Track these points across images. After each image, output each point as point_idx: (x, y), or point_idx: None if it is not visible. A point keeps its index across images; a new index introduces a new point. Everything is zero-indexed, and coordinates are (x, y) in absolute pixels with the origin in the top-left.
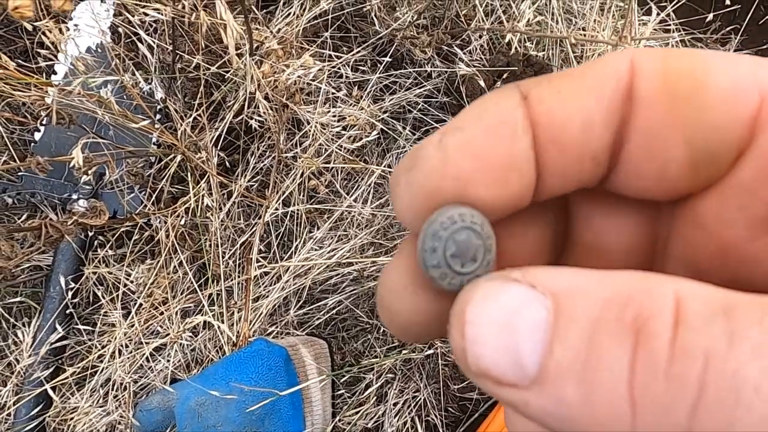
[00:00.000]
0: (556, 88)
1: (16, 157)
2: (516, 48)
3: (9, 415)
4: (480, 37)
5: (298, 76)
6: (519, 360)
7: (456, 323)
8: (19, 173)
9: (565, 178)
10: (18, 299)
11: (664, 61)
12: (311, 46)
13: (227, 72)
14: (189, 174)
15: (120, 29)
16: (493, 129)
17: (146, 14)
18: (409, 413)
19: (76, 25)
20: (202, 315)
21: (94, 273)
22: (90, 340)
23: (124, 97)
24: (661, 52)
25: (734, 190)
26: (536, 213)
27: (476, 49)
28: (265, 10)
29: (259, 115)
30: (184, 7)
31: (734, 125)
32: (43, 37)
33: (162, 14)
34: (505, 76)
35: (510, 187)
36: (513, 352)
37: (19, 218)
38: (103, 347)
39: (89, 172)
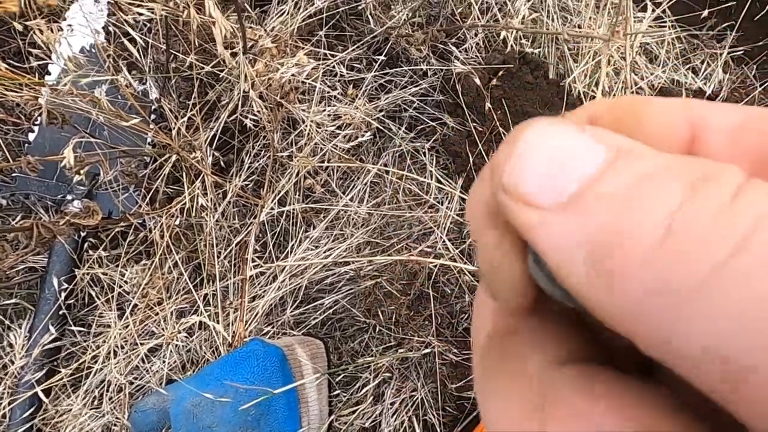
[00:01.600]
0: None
1: (9, 158)
2: (512, 45)
3: (4, 417)
4: (475, 34)
5: (292, 75)
6: (557, 183)
7: (512, 139)
8: (13, 174)
9: None
10: (13, 301)
11: (614, 101)
12: (306, 45)
13: (222, 71)
14: (184, 174)
15: (114, 29)
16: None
17: (140, 14)
18: (406, 413)
19: (69, 25)
20: (197, 315)
21: (89, 274)
22: (85, 341)
23: (119, 97)
24: (619, 98)
25: None
26: None
27: (472, 47)
28: (259, 9)
29: (254, 114)
30: (177, 6)
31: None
32: (35, 36)
33: (154, 14)
34: (500, 73)
35: None
36: (554, 176)
37: (13, 219)
38: (97, 348)
39: (82, 172)
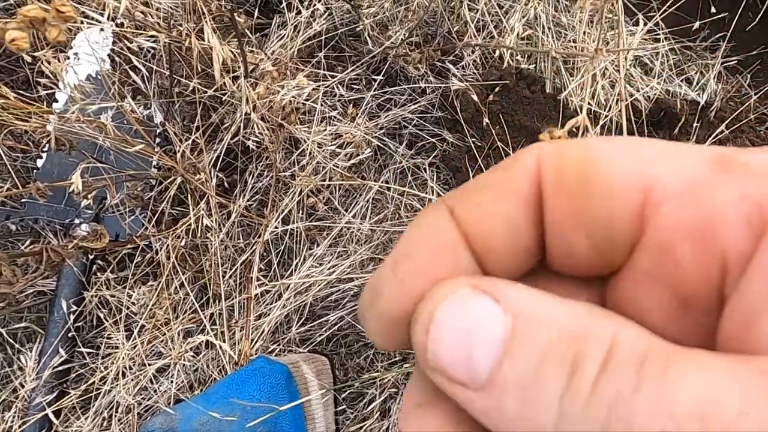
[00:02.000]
0: (476, 202)
1: (18, 184)
2: (508, 62)
3: None
4: (472, 51)
5: (293, 97)
6: (472, 365)
7: (422, 320)
8: (22, 200)
9: (507, 272)
10: (23, 324)
11: (559, 156)
12: (306, 66)
13: (224, 94)
14: (189, 195)
15: (119, 56)
16: (438, 250)
17: (141, 44)
18: None
19: (75, 54)
20: (203, 335)
21: (97, 296)
22: (94, 363)
23: (125, 122)
24: (562, 145)
25: (639, 276)
26: None
27: (469, 64)
28: (260, 33)
29: (256, 136)
30: (180, 34)
31: (622, 218)
32: (42, 66)
33: (158, 42)
34: (497, 89)
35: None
36: (468, 357)
37: (22, 244)
38: (106, 369)
39: (89, 196)
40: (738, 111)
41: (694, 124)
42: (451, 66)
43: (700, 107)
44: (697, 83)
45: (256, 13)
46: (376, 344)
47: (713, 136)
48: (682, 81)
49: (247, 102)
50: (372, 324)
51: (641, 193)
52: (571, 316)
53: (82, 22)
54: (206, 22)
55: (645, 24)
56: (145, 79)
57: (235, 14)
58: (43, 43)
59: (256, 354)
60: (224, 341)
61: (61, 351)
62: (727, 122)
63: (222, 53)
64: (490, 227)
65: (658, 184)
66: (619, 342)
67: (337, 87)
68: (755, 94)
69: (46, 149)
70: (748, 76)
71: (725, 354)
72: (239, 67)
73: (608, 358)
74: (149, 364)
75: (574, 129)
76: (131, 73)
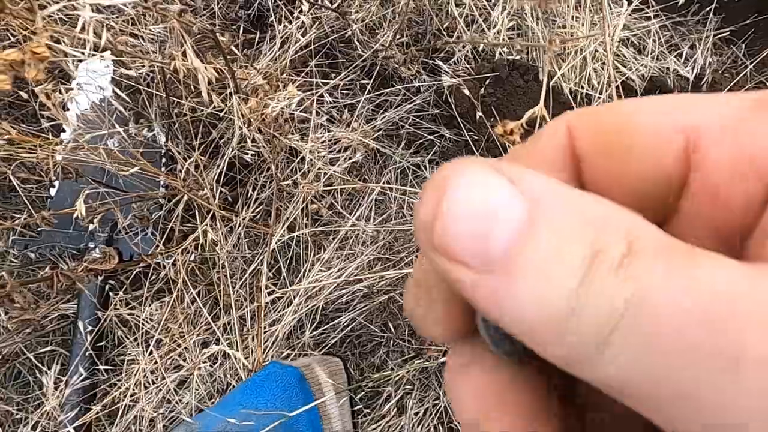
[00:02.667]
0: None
1: (33, 214)
2: (500, 53)
3: None
4: (463, 47)
5: (283, 107)
6: (485, 245)
7: (434, 190)
8: (39, 229)
9: None
10: (49, 348)
11: (593, 116)
12: (300, 76)
13: (221, 111)
14: (196, 212)
15: (120, 83)
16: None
17: (140, 68)
18: (431, 421)
19: (78, 84)
20: (217, 345)
21: (117, 315)
22: (118, 379)
23: (130, 146)
24: (592, 110)
25: (684, 222)
26: None
27: (461, 59)
28: (255, 48)
29: (254, 149)
30: (172, 57)
31: (664, 167)
32: (44, 99)
33: (142, 68)
34: (488, 81)
35: None
36: (481, 236)
37: (42, 271)
38: (129, 385)
39: (95, 221)
40: (734, 82)
41: None
42: (441, 63)
43: (690, 82)
44: (691, 58)
45: (241, 30)
46: (430, 335)
47: None
48: (676, 57)
49: (240, 117)
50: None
51: (682, 139)
52: (593, 204)
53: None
54: (187, 45)
55: (629, 3)
56: (146, 103)
57: (218, 33)
58: (47, 77)
59: (270, 360)
60: (238, 350)
61: (81, 370)
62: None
63: (206, 73)
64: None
65: (699, 128)
66: (641, 235)
67: (333, 92)
68: (751, 64)
69: (53, 178)
70: (743, 46)
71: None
72: (230, 84)
73: (632, 243)
74: (169, 377)
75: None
76: (131, 99)
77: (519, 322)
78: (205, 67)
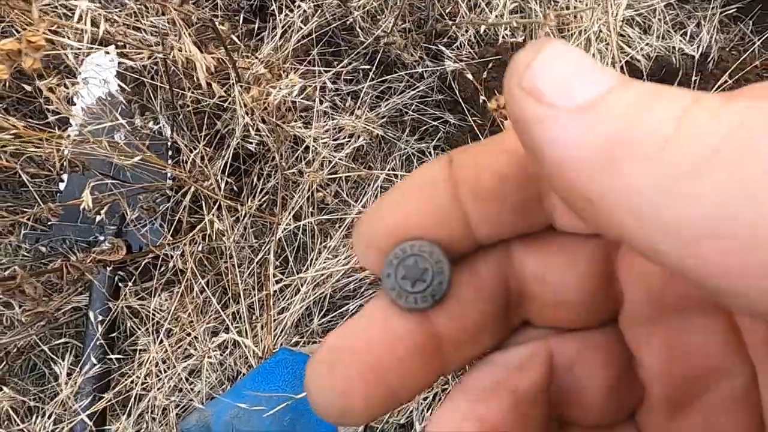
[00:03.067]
0: (475, 150)
1: (55, 211)
2: (503, 36)
3: None
4: (466, 31)
5: (285, 95)
6: (574, 89)
7: (534, 45)
8: (49, 223)
9: (496, 226)
10: (63, 340)
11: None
12: (303, 65)
13: (225, 101)
14: (203, 202)
15: (125, 76)
16: (420, 185)
17: (144, 61)
18: (439, 405)
19: (84, 78)
20: (227, 333)
21: (127, 306)
22: (130, 369)
23: (136, 138)
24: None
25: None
26: (486, 263)
27: (464, 44)
28: (257, 38)
29: (255, 138)
30: (172, 48)
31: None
32: (48, 94)
33: (145, 61)
34: (491, 65)
35: (440, 232)
36: (572, 82)
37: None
38: (141, 374)
39: (101, 212)
40: (741, 59)
41: (693, 78)
42: (444, 48)
43: (696, 60)
44: (697, 36)
45: (242, 20)
46: (365, 266)
47: (714, 87)
48: (682, 35)
49: (242, 106)
50: (357, 246)
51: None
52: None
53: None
54: (185, 34)
55: None
56: (150, 95)
57: (218, 23)
58: (53, 72)
59: (279, 347)
60: (248, 338)
61: (93, 359)
62: (729, 71)
63: (204, 61)
64: (478, 173)
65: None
66: (740, 92)
67: (336, 80)
68: (758, 40)
69: (61, 172)
70: (750, 22)
71: None
72: (231, 74)
73: (731, 96)
74: (180, 366)
75: None
76: (136, 92)
77: (602, 161)
78: (204, 56)
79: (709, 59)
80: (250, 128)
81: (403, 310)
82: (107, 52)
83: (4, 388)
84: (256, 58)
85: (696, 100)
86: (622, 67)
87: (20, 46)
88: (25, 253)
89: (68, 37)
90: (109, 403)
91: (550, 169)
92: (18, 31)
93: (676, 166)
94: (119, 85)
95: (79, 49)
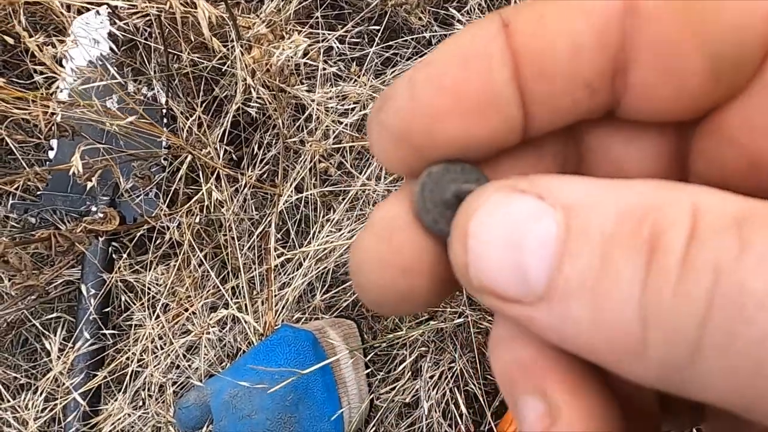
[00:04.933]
0: (539, 13)
1: (42, 176)
2: (515, 1)
3: (57, 422)
4: None
5: (288, 56)
6: (525, 276)
7: (458, 236)
8: (38, 193)
9: (559, 111)
10: (55, 315)
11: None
12: (305, 28)
13: (223, 65)
14: (201, 172)
15: (116, 38)
16: (467, 61)
17: (137, 21)
18: (446, 384)
19: (74, 40)
20: (226, 309)
21: (123, 280)
22: (125, 345)
23: (130, 104)
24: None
25: (762, 94)
26: (541, 148)
27: (474, 8)
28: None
29: (257, 102)
30: (167, 4)
31: (755, 22)
32: (37, 53)
33: (138, 20)
34: None
35: (489, 124)
36: (519, 267)
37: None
38: (136, 350)
39: (93, 178)
40: None
41: None
42: (455, 12)
43: None
44: None
45: None
46: (382, 164)
47: None
48: None
49: (244, 68)
50: (376, 139)
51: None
52: (635, 192)
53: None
54: None
55: None
56: (144, 59)
57: None
58: (40, 32)
59: (281, 324)
60: (248, 313)
61: (87, 335)
62: None
63: (206, 9)
64: (548, 44)
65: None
66: (702, 209)
67: (340, 44)
68: None
69: (50, 138)
70: None
71: None
72: (231, 32)
73: (695, 227)
74: (177, 342)
75: None
76: (128, 54)
77: (589, 351)
78: (207, 7)
79: None
80: (252, 90)
81: (425, 229)
82: (98, 12)
83: None
84: (257, 17)
85: (649, 269)
86: None
87: None
88: (15, 224)
89: None
90: (104, 381)
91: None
92: None
93: (671, 348)
94: (111, 48)
95: (87, 8)
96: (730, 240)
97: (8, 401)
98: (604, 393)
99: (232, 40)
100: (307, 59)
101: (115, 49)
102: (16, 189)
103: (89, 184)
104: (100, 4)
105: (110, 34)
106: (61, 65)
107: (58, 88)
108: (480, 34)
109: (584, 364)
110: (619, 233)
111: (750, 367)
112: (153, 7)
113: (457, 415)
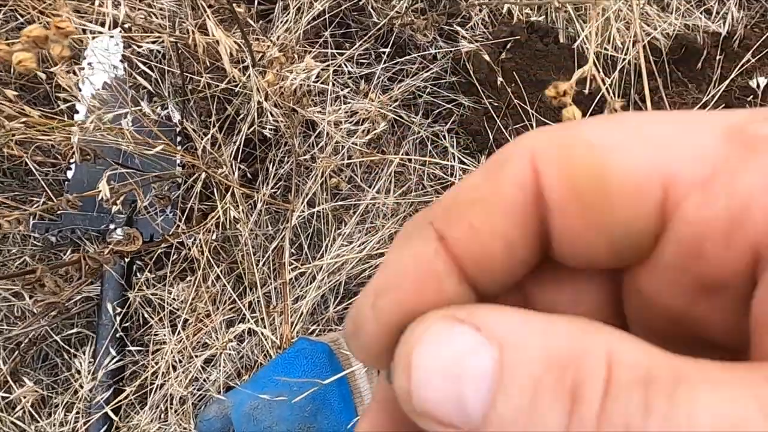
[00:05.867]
0: (467, 224)
1: (53, 197)
2: (518, 16)
3: None
4: (480, 11)
5: (302, 80)
6: (464, 407)
7: (401, 365)
8: (58, 212)
9: (501, 285)
10: (75, 330)
11: (564, 160)
12: (314, 48)
13: (236, 86)
14: (215, 190)
15: (131, 61)
16: (420, 284)
17: (151, 45)
18: None
19: (89, 64)
20: (244, 323)
21: (140, 296)
22: (145, 359)
23: (144, 125)
24: (559, 142)
25: (662, 269)
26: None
27: (478, 24)
28: (265, 20)
29: (271, 124)
30: (185, 32)
31: (642, 219)
32: (61, 81)
33: (161, 43)
34: (509, 46)
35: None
36: (458, 399)
37: (63, 254)
38: (157, 365)
39: (118, 201)
40: (764, 37)
41: (717, 57)
42: (459, 28)
43: (721, 38)
44: (718, 13)
45: (256, 1)
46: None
47: (739, 66)
48: (701, 13)
49: (258, 91)
50: (357, 353)
51: (661, 190)
52: (562, 336)
53: (84, 32)
54: (207, 16)
55: None
56: (158, 80)
57: (234, 4)
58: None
59: (297, 336)
60: (265, 327)
61: (112, 351)
62: (752, 50)
63: (228, 45)
64: (484, 249)
65: (678, 178)
66: (616, 361)
67: (346, 64)
68: None
69: (72, 161)
70: None
71: (734, 364)
72: (246, 57)
73: (609, 381)
74: (197, 356)
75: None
76: (146, 74)
77: None
78: (228, 41)
79: (735, 37)
80: (269, 114)
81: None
82: (112, 36)
83: (26, 381)
84: (270, 41)
85: (570, 420)
86: (645, 47)
87: (48, 32)
88: (35, 243)
89: (92, 21)
90: (128, 396)
91: None
92: (21, 15)
93: None
94: (125, 70)
95: (101, 32)
96: (637, 399)
97: (38, 419)
98: None
99: (247, 66)
100: (317, 80)
101: (131, 71)
102: (44, 211)
103: (114, 208)
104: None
105: (124, 57)
106: (78, 89)
107: (76, 111)
108: (422, 253)
109: None
110: (545, 379)
111: None
112: (167, 33)
113: None
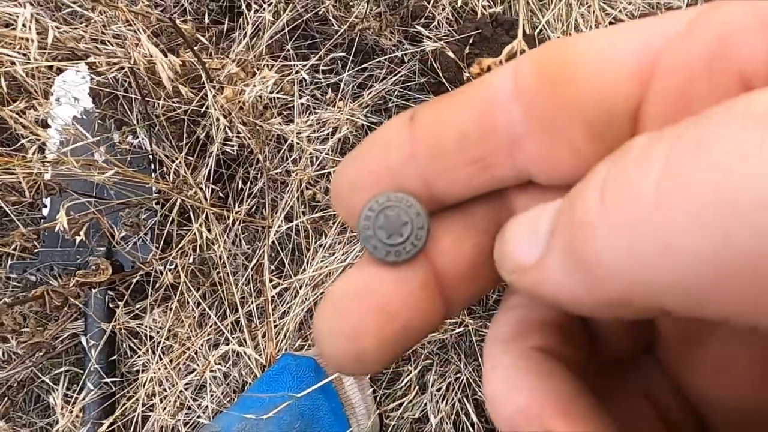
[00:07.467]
0: (435, 109)
1: (29, 236)
2: (482, 11)
3: None
4: (443, 9)
5: (259, 91)
6: (523, 251)
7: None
8: (36, 250)
9: (455, 183)
10: (63, 369)
11: (536, 56)
12: (279, 60)
13: (202, 107)
14: (191, 213)
15: (98, 92)
16: (377, 146)
17: (116, 73)
18: (455, 395)
19: (57, 99)
20: (227, 345)
21: (125, 327)
22: (135, 391)
23: (117, 154)
24: (539, 48)
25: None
26: (473, 214)
27: (442, 22)
28: (226, 38)
29: (237, 140)
30: (131, 57)
31: (615, 87)
32: (17, 120)
33: (114, 72)
34: (472, 41)
35: (401, 188)
36: (534, 231)
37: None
38: (145, 395)
39: (81, 232)
40: None
41: None
42: (422, 29)
43: None
44: None
45: (208, 20)
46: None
47: None
48: None
49: (217, 108)
50: (333, 201)
51: (633, 58)
52: None
53: (50, 68)
54: (141, 32)
55: None
56: (126, 109)
57: (179, 22)
58: (23, 95)
59: (282, 353)
60: (249, 347)
61: (89, 385)
62: None
63: (165, 61)
64: (438, 131)
65: (652, 47)
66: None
67: (309, 74)
68: None
69: (45, 197)
70: None
71: None
72: (201, 75)
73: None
74: (183, 384)
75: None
76: (110, 106)
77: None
78: (168, 59)
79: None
80: (228, 131)
81: (379, 263)
82: (78, 70)
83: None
84: (227, 57)
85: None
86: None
87: None
88: (16, 284)
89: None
90: (110, 429)
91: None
92: None
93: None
94: (93, 102)
95: (28, 63)
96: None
97: None
98: (604, 420)
99: (202, 83)
100: (281, 92)
101: (97, 102)
102: (14, 249)
103: (77, 238)
104: (78, 59)
105: (91, 89)
106: (47, 125)
107: (46, 149)
108: (391, 126)
109: (583, 398)
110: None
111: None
112: (124, 59)
113: (468, 425)
